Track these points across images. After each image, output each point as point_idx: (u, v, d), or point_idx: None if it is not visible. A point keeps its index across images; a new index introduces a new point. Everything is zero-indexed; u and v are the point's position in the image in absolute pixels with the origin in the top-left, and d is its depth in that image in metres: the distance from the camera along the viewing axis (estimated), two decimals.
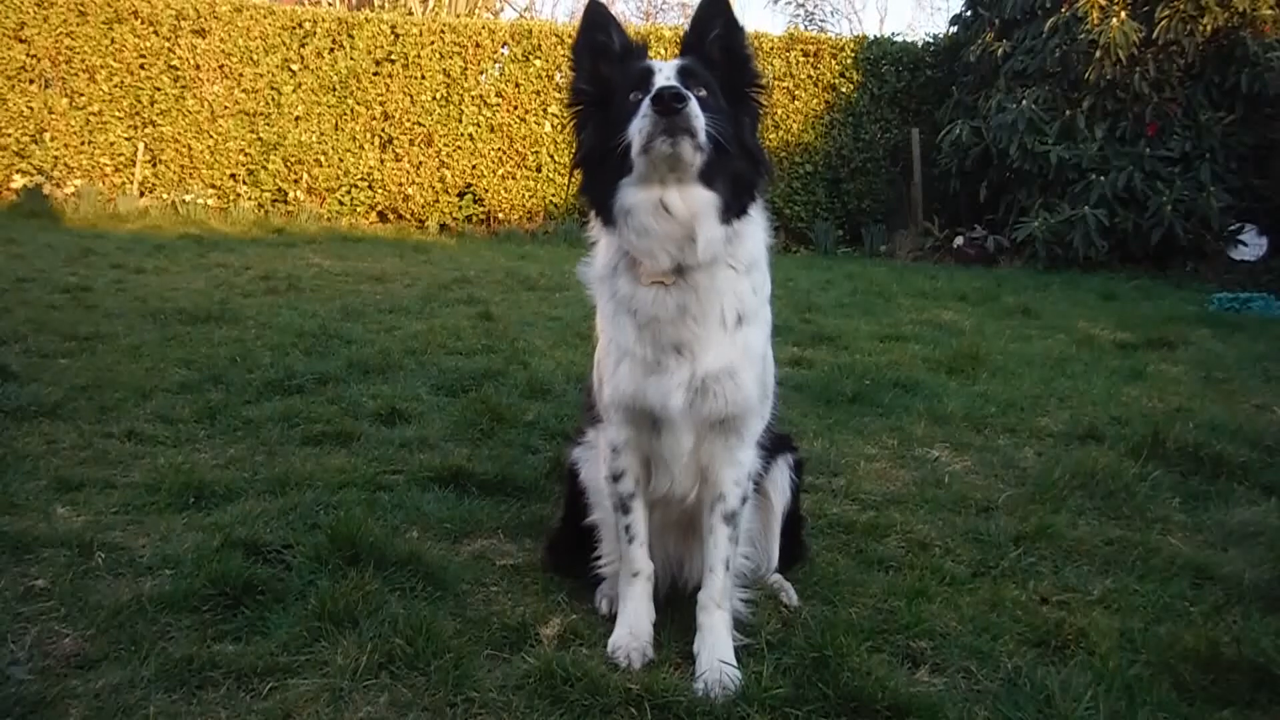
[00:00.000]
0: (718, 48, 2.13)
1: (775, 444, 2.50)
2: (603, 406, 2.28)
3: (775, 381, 2.35)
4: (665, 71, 2.05)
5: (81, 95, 14.44)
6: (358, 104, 15.00)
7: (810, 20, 29.98)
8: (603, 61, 2.16)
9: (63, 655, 2.09)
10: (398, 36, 15.10)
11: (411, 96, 15.05)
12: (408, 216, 15.31)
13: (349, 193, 15.11)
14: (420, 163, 15.13)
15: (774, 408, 2.36)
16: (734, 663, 2.13)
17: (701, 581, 2.28)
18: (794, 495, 2.61)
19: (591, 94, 2.16)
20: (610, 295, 2.18)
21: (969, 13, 14.32)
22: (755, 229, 2.16)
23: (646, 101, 1.94)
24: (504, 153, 15.21)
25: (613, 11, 2.29)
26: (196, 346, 5.31)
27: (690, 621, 2.25)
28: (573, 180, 2.21)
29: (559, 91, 15.17)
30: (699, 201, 2.01)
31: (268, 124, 14.89)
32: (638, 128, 1.96)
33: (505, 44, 15.33)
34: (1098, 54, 11.29)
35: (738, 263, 2.12)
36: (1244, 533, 3.10)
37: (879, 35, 15.68)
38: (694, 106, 1.93)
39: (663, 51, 15.02)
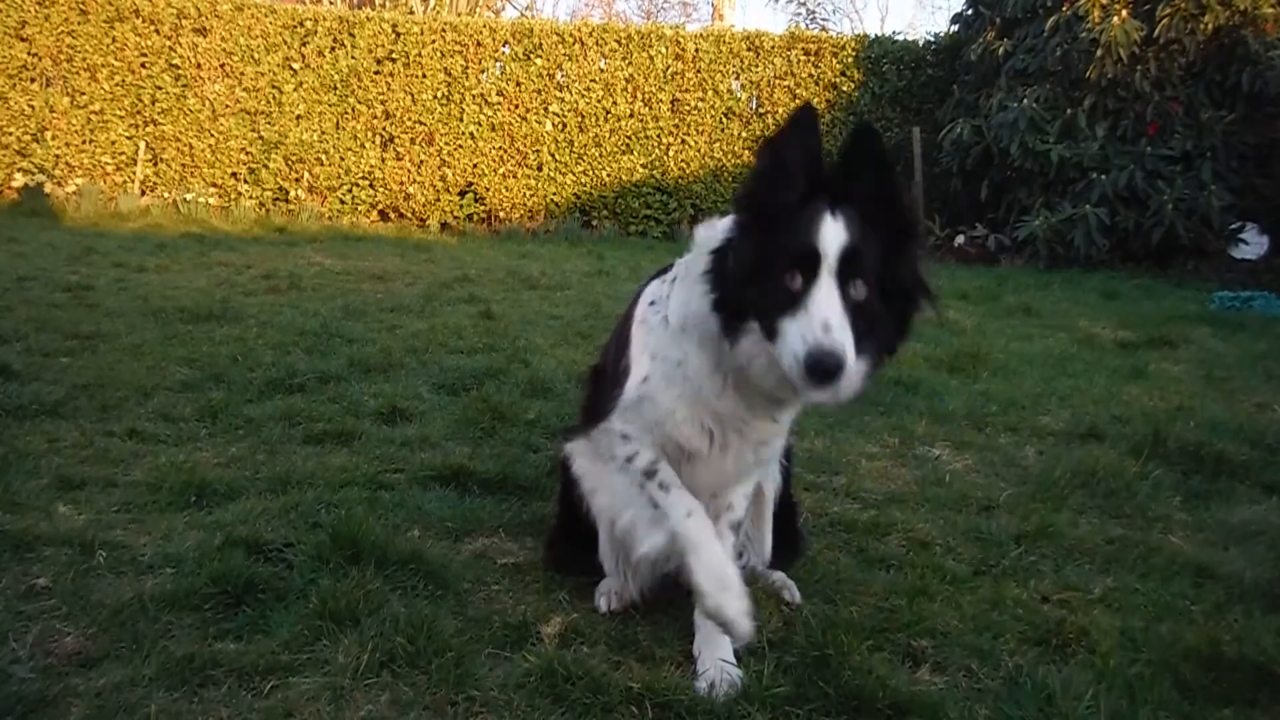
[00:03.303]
0: (872, 198, 1.89)
1: None
2: (635, 421, 2.18)
3: None
4: (829, 260, 1.81)
5: (83, 94, 14.45)
6: (359, 103, 15.01)
7: (811, 19, 30.04)
8: (784, 178, 1.91)
9: (64, 654, 2.09)
10: (399, 35, 15.10)
11: (413, 95, 15.05)
12: (409, 215, 15.32)
13: (350, 191, 15.11)
14: (421, 161, 15.13)
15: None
16: (735, 662, 2.13)
17: None
18: (785, 480, 2.63)
19: (764, 207, 1.92)
20: (712, 352, 2.04)
21: (970, 11, 14.32)
22: None
23: (800, 365, 1.76)
24: (505, 152, 15.21)
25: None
26: (198, 345, 5.31)
27: (691, 621, 2.25)
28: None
29: (560, 90, 15.18)
30: (847, 383, 1.83)
31: (269, 123, 14.90)
32: (789, 365, 1.79)
33: (506, 43, 15.32)
34: (1099, 53, 11.28)
35: None
36: (1245, 532, 3.10)
37: (880, 34, 15.69)
38: (849, 369, 1.76)
39: (663, 51, 15.04)
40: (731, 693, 2.03)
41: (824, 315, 1.78)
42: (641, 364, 2.17)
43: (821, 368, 1.74)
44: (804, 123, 1.92)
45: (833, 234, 1.83)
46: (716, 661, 2.11)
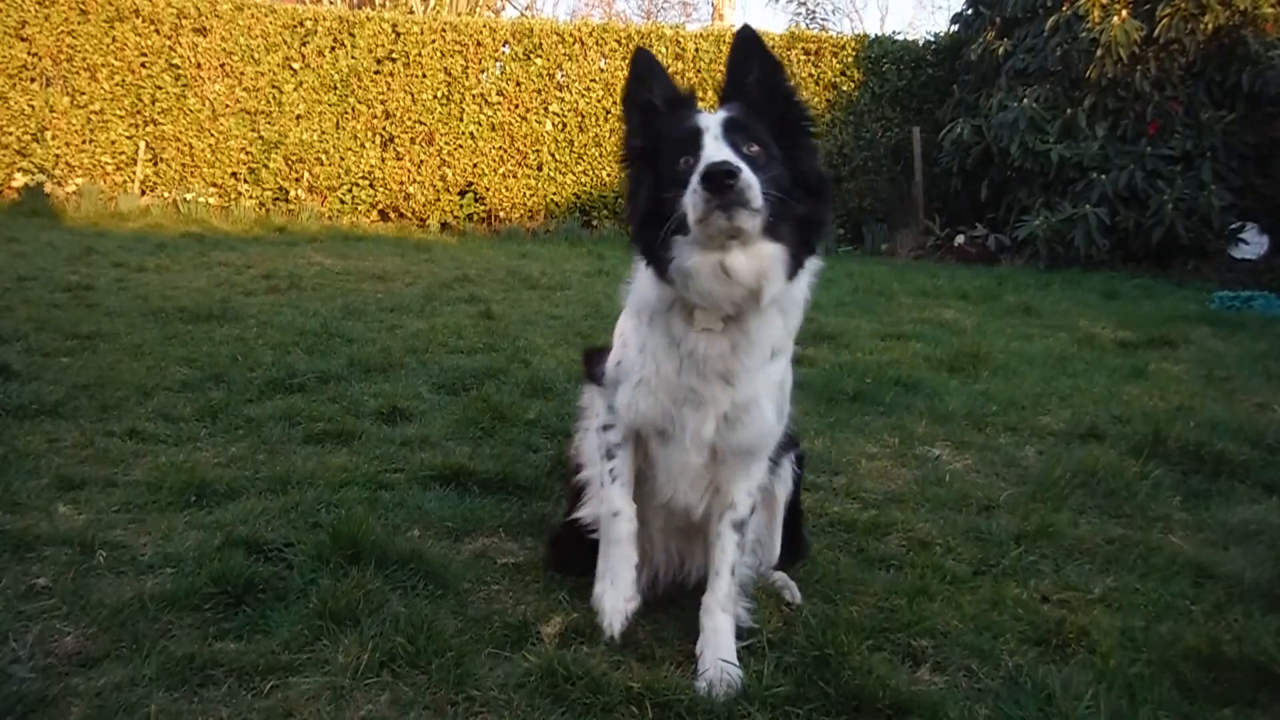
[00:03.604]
0: (760, 89, 2.06)
1: (784, 443, 2.50)
2: (613, 405, 2.29)
3: (791, 396, 2.35)
4: (712, 129, 1.96)
5: (83, 94, 14.45)
6: (359, 102, 15.01)
7: (811, 19, 30.05)
8: (650, 115, 2.09)
9: (64, 653, 2.09)
10: (399, 35, 15.10)
11: (413, 95, 15.05)
12: (409, 215, 15.32)
13: (350, 191, 15.11)
14: (421, 161, 15.13)
15: (790, 417, 2.37)
16: (736, 663, 2.13)
17: (706, 582, 2.28)
18: (795, 486, 2.63)
19: (642, 149, 2.10)
20: (662, 331, 2.13)
21: (970, 11, 14.32)
22: (808, 271, 2.09)
23: (696, 178, 1.86)
24: (505, 151, 15.21)
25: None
26: (198, 345, 5.31)
27: (692, 621, 2.25)
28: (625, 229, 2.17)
29: (560, 90, 15.18)
30: (765, 260, 1.94)
31: (269, 122, 14.90)
32: (691, 202, 1.87)
33: (506, 43, 15.33)
34: (1099, 52, 11.28)
35: (786, 305, 2.11)
36: (1245, 531, 3.10)
37: (880, 34, 15.68)
38: (746, 176, 1.84)
39: (663, 51, 15.04)
40: (731, 692, 2.03)
41: (710, 155, 1.89)
42: (616, 346, 2.31)
43: (711, 179, 1.83)
44: (639, 64, 2.13)
45: (713, 117, 2.00)
46: (717, 661, 2.11)
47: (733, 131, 1.97)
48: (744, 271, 1.93)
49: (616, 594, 2.26)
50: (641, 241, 2.06)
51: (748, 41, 2.08)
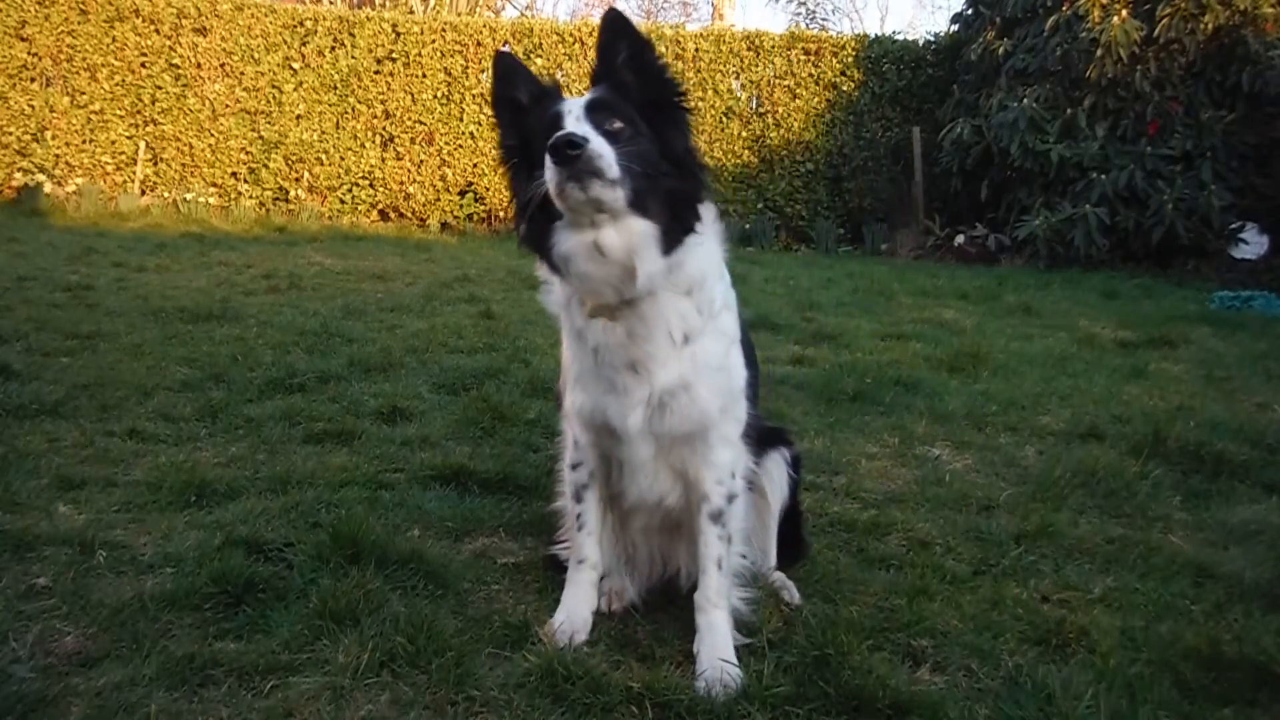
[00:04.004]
0: (629, 69, 2.07)
1: (766, 437, 2.49)
2: (565, 412, 2.37)
3: (750, 380, 2.32)
4: (574, 112, 1.99)
5: (83, 94, 14.45)
6: (359, 102, 15.01)
7: (811, 19, 30.03)
8: (518, 111, 2.13)
9: (64, 653, 2.09)
10: (399, 35, 15.10)
11: (413, 95, 15.05)
12: (409, 215, 15.32)
13: (350, 191, 15.11)
14: (421, 161, 15.13)
15: (751, 405, 2.34)
16: (735, 661, 2.12)
17: (697, 581, 2.28)
18: (792, 491, 2.60)
19: (516, 146, 2.14)
20: (568, 324, 2.22)
21: (970, 11, 14.31)
22: (698, 250, 2.09)
23: (546, 154, 1.89)
24: None
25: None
26: (198, 345, 5.31)
27: (690, 620, 2.25)
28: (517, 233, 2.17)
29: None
30: (635, 235, 1.97)
31: (269, 122, 14.90)
32: (548, 178, 1.91)
33: (506, 42, 15.31)
34: (1099, 52, 11.27)
35: (679, 288, 2.10)
36: (1245, 531, 3.10)
37: (880, 34, 15.68)
38: (594, 147, 1.87)
39: (663, 50, 15.03)
40: (730, 693, 2.02)
41: (560, 130, 1.91)
42: (565, 350, 2.33)
43: (556, 150, 1.86)
44: (500, 64, 2.18)
45: (575, 101, 2.04)
46: (716, 661, 2.11)
47: (595, 111, 2.00)
48: (615, 248, 1.97)
49: (570, 626, 2.29)
50: (528, 236, 2.09)
51: (615, 22, 2.09)
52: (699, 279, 2.13)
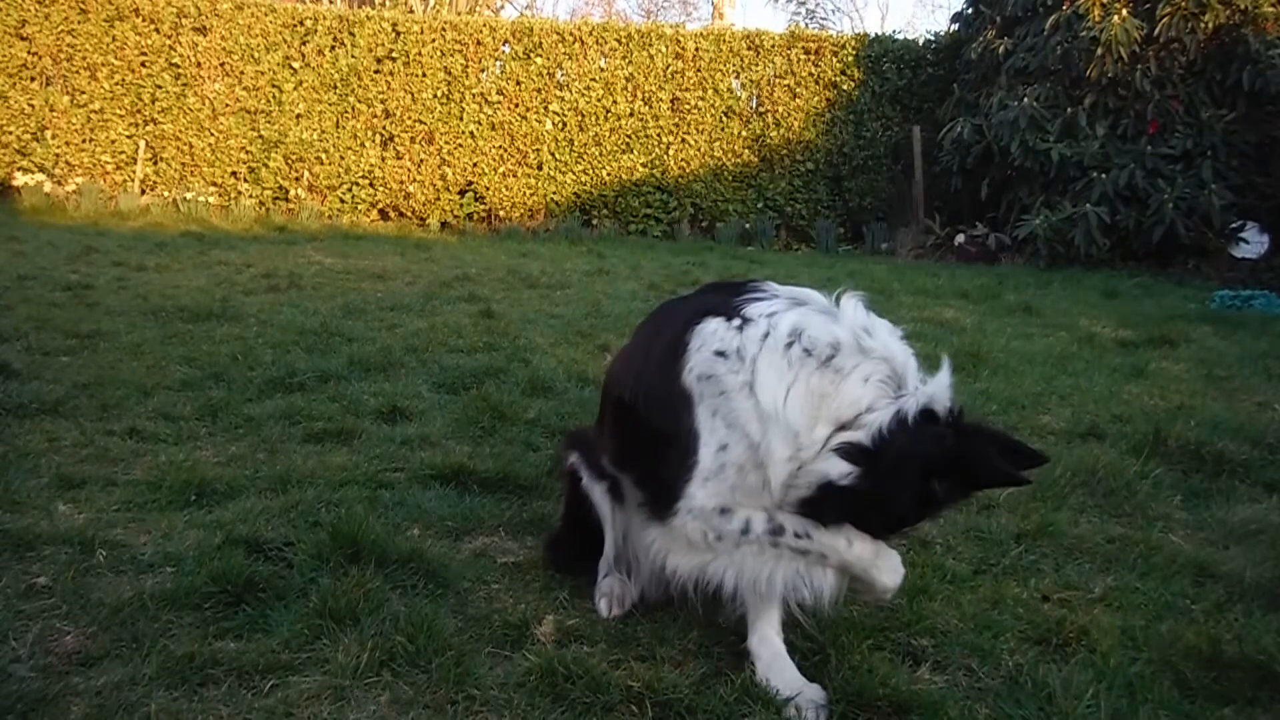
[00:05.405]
0: None
1: None
2: (724, 491, 2.04)
3: None
4: None
5: (83, 93, 14.44)
6: (359, 102, 15.00)
7: (812, 18, 29.99)
8: None
9: (64, 653, 2.09)
10: (399, 34, 15.09)
11: (413, 94, 15.04)
12: (409, 214, 15.31)
13: (350, 190, 15.10)
14: (421, 160, 15.12)
15: None
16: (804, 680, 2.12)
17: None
18: None
19: None
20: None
21: (970, 10, 14.30)
22: None
23: None
24: (505, 150, 15.19)
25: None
26: (198, 344, 5.31)
27: (691, 619, 2.25)
28: None
29: (560, 89, 15.18)
30: None
31: (269, 122, 14.89)
32: None
33: (506, 42, 15.31)
34: (1099, 51, 11.26)
35: None
36: (1245, 530, 3.09)
37: (880, 33, 15.69)
38: None
39: (663, 50, 15.04)
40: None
41: None
42: (715, 430, 2.00)
43: None
44: None
45: None
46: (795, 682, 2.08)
47: None
48: None
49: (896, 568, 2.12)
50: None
51: None
52: None
